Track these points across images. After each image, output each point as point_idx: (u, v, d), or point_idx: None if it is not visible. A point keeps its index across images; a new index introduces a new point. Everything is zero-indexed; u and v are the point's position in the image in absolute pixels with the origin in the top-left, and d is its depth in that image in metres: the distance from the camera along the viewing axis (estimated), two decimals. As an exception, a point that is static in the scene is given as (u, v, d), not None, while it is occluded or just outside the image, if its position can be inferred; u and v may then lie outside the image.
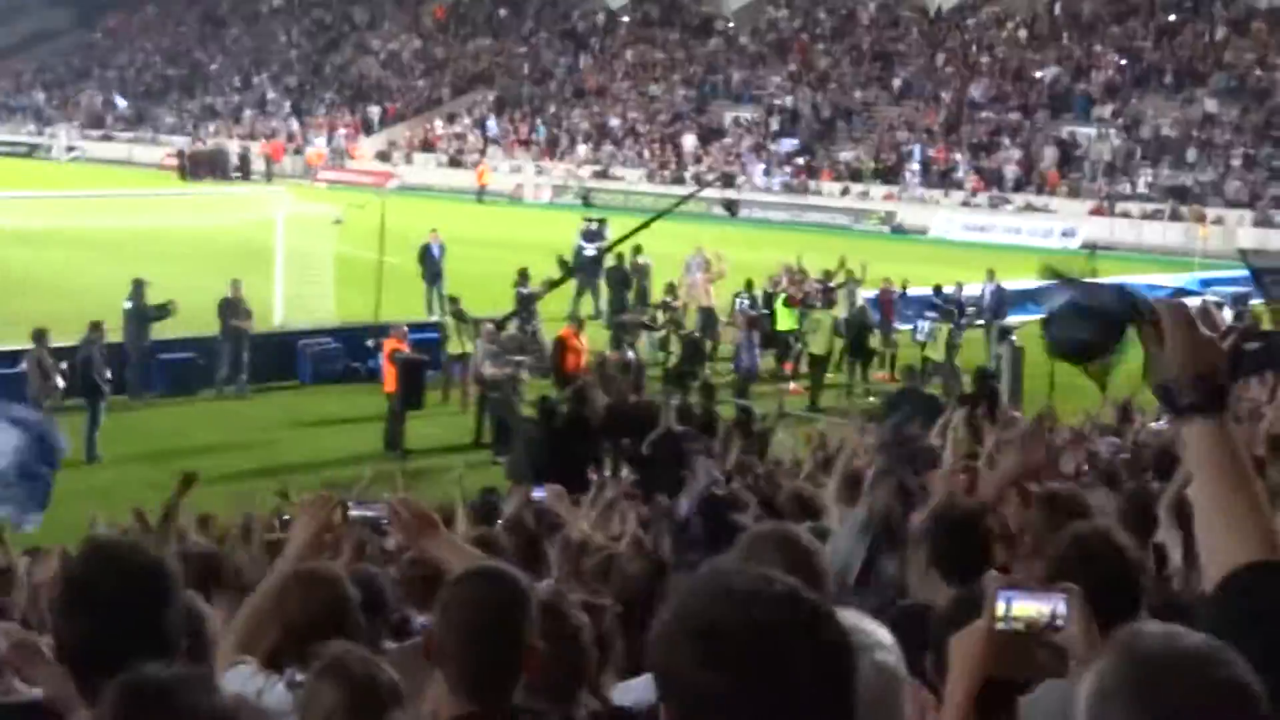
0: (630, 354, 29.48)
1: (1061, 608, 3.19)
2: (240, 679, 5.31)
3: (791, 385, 32.17)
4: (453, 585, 4.52)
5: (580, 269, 39.35)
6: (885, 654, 3.16)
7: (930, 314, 33.98)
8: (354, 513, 6.23)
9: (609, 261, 38.15)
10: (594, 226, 42.59)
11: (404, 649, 6.23)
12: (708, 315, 34.98)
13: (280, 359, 31.35)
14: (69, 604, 4.08)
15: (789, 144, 75.48)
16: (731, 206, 43.18)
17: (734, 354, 31.71)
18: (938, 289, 35.34)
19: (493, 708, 4.31)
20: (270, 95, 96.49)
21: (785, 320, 33.70)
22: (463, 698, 4.33)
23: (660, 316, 33.41)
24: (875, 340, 34.44)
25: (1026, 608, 3.17)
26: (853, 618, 3.11)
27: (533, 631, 4.40)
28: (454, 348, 30.12)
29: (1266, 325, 27.75)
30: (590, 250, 40.92)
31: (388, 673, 4.89)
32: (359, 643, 5.62)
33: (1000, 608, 3.17)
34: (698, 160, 76.24)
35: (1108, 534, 5.45)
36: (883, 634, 3.15)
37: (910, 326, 34.43)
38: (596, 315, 37.63)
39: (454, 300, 31.19)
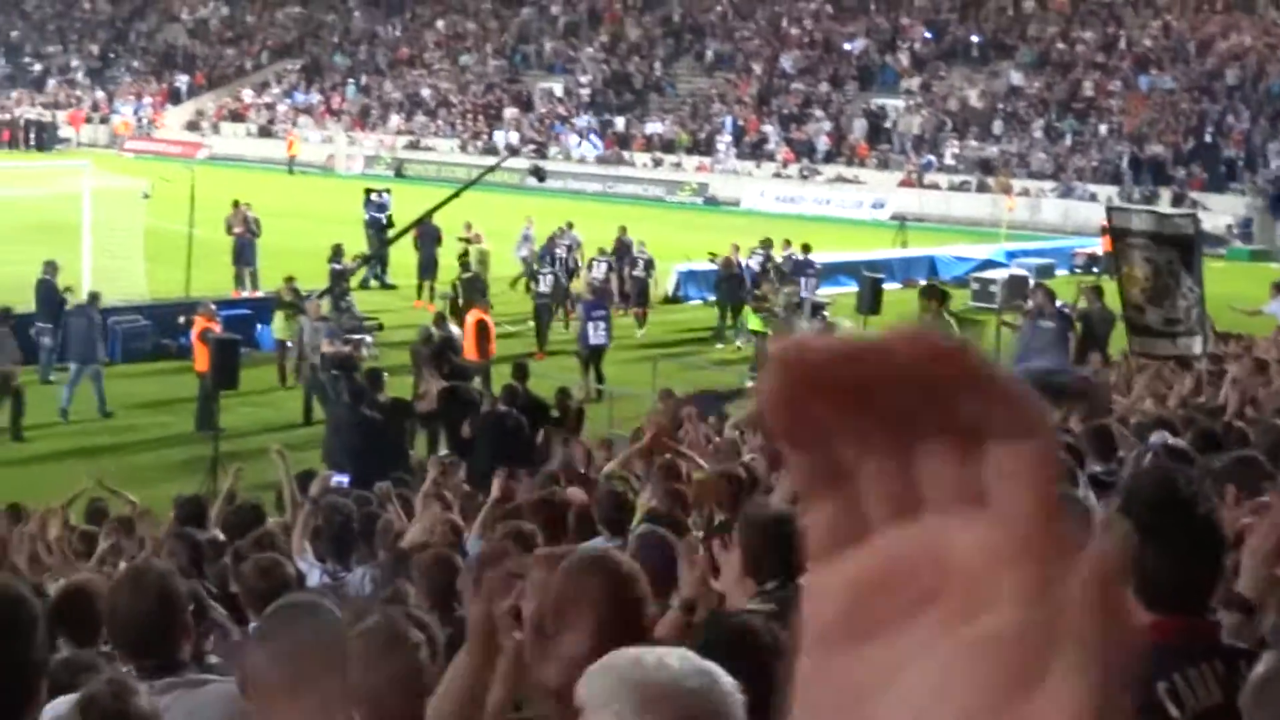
0: (454, 330, 29.16)
1: None
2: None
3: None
4: (269, 619, 4.48)
5: (373, 240, 39.75)
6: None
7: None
8: None
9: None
10: (381, 197, 42.49)
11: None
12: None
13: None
14: None
15: (600, 116, 75.59)
16: (539, 173, 42.96)
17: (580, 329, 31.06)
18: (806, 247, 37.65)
19: None
20: (74, 63, 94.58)
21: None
22: None
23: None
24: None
25: None
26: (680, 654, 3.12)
27: (352, 661, 4.36)
28: (281, 333, 29.74)
29: (1081, 303, 28.01)
30: (382, 220, 41.02)
31: (141, 706, 4.78)
32: (186, 642, 5.56)
33: None
34: (512, 131, 76.02)
35: None
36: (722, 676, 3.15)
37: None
38: (387, 287, 39.05)
39: (290, 281, 30.59)
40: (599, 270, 35.47)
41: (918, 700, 0.75)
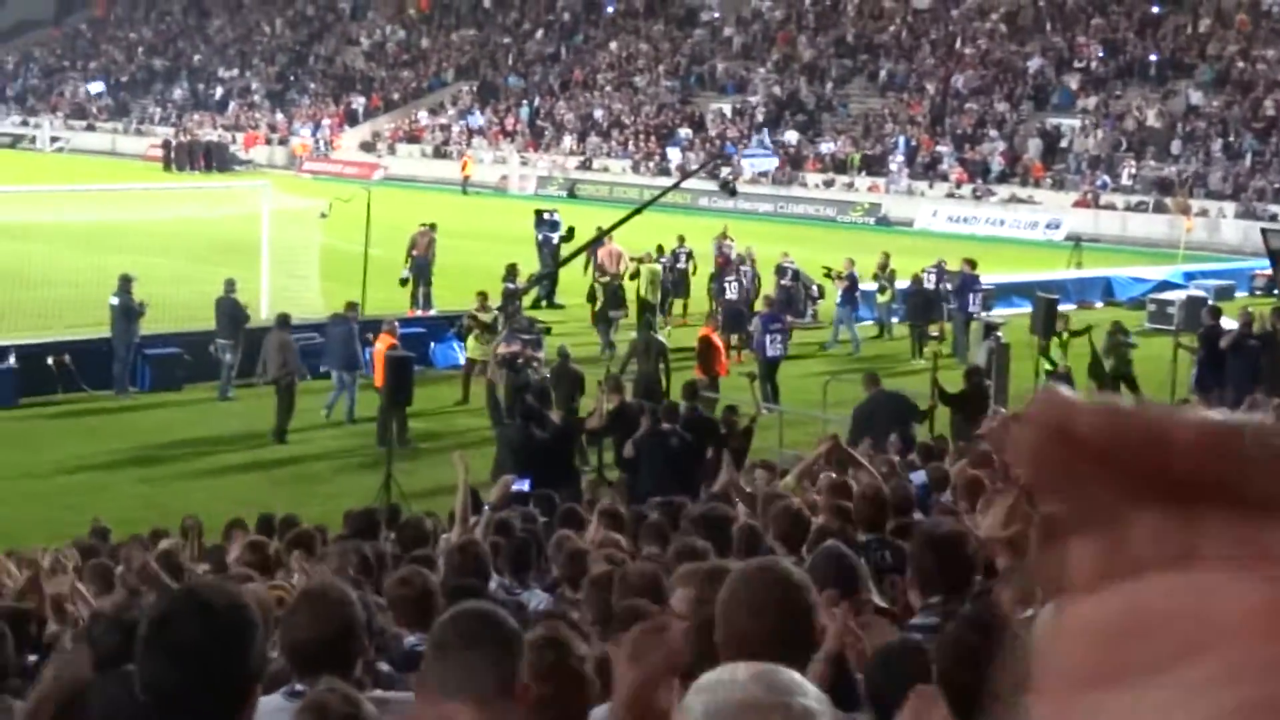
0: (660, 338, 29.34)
1: None
2: None
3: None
4: (444, 625, 4.51)
5: (545, 260, 40.15)
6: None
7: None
8: None
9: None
10: (553, 217, 42.80)
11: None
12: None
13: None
14: (150, 645, 4.05)
15: (773, 135, 75.48)
16: (729, 187, 43.02)
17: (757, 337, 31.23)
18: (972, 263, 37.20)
19: None
20: (254, 86, 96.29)
21: None
22: None
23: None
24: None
25: None
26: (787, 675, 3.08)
27: (522, 670, 4.39)
28: (472, 353, 29.85)
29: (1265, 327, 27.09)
30: (553, 240, 41.34)
31: (370, 712, 4.86)
32: (360, 662, 5.63)
33: None
34: (685, 150, 76.09)
35: None
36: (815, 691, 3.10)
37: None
38: (555, 306, 39.26)
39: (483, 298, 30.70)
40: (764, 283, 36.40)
41: None
